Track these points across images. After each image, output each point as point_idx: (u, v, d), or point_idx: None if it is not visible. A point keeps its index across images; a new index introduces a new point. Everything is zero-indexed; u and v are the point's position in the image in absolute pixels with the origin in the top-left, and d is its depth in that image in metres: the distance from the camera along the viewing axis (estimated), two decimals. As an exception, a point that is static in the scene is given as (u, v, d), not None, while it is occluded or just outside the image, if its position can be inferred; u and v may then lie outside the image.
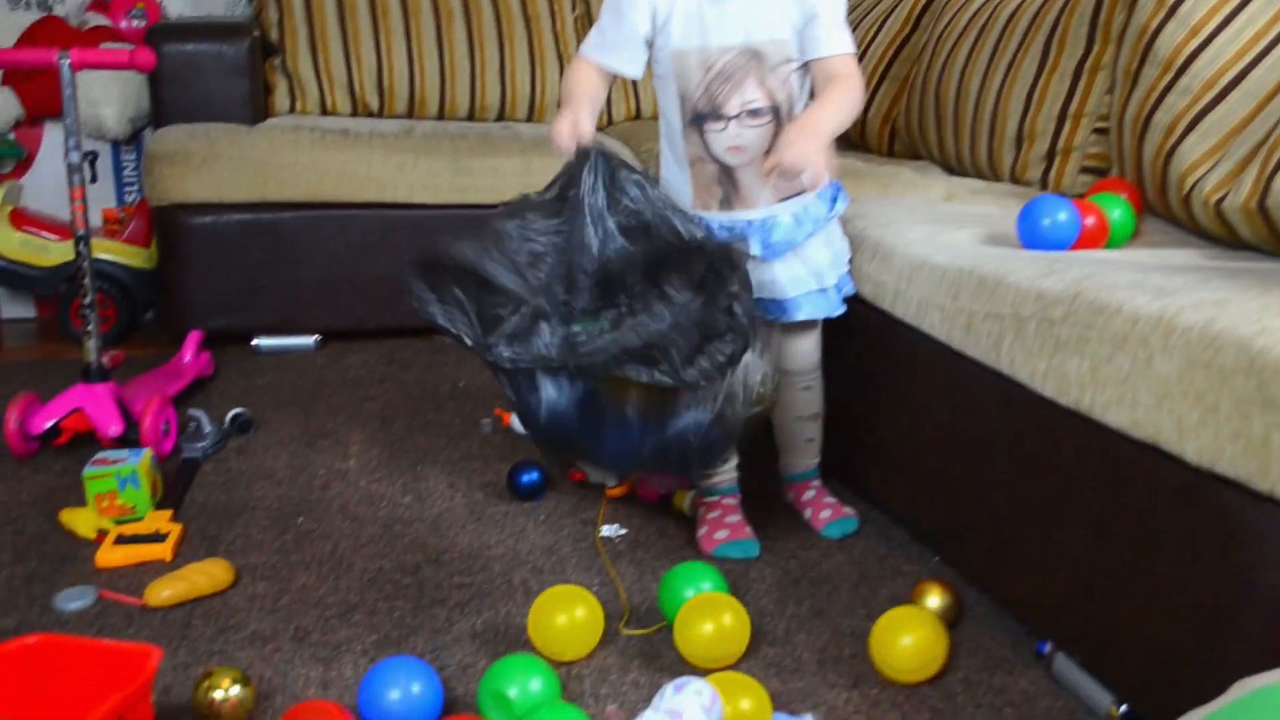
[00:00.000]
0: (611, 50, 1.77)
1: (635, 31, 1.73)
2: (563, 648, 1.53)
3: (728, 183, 1.76)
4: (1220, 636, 1.22)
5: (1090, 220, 1.82)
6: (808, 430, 1.96)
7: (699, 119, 1.73)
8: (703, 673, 1.39)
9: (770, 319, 1.81)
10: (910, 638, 1.49)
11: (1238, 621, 1.19)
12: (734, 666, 1.52)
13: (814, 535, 1.92)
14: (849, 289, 1.88)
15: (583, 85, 1.76)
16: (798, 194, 1.77)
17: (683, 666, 1.53)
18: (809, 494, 1.98)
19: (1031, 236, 1.77)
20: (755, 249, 1.74)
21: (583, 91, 1.75)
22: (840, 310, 1.85)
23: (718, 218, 1.76)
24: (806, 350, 1.89)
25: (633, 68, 1.77)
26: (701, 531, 1.88)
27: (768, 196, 1.76)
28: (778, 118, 1.73)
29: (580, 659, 1.54)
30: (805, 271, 1.80)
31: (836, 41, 1.72)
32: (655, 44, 1.75)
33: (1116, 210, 1.88)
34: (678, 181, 1.80)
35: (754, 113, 1.72)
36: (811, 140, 1.63)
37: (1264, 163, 1.76)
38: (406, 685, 1.36)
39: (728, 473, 1.91)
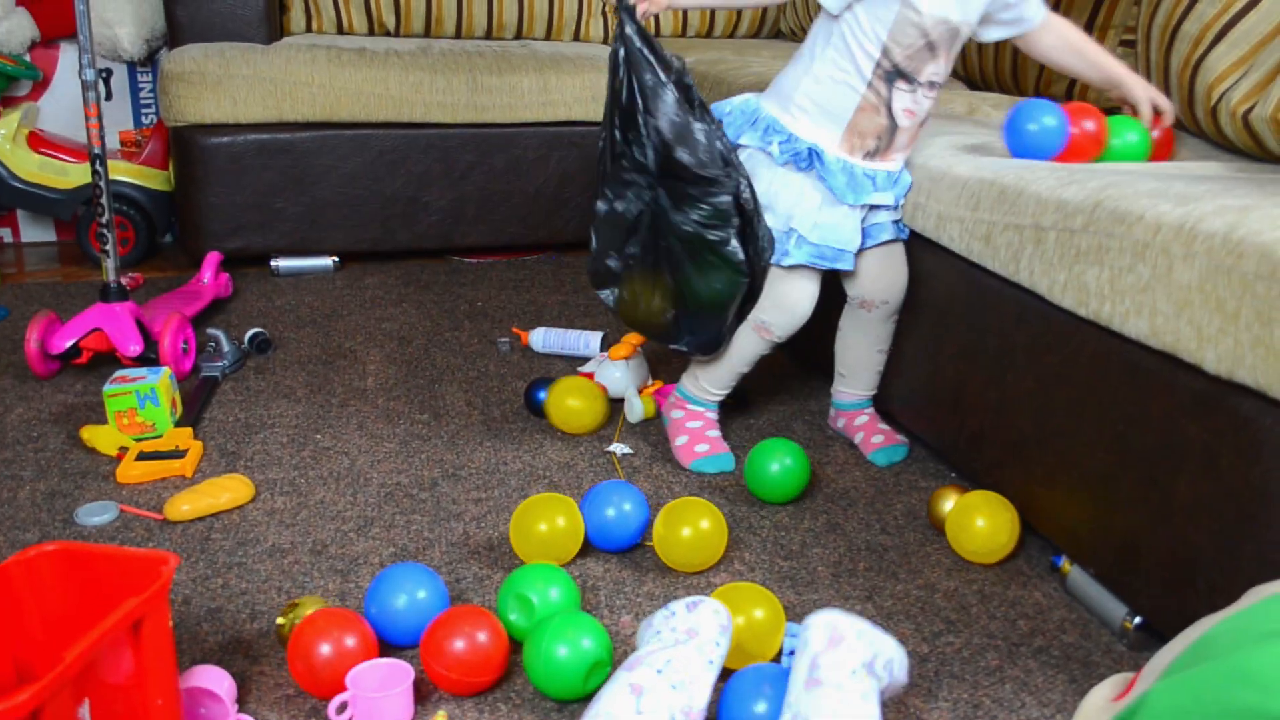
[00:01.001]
0: None
1: None
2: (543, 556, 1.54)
3: (886, 137, 1.75)
4: (1236, 546, 1.21)
5: (1088, 126, 1.76)
6: (879, 361, 1.95)
7: (891, 75, 1.70)
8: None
9: (894, 239, 1.85)
10: (984, 519, 1.57)
11: (1254, 530, 1.19)
12: (749, 578, 1.52)
13: (830, 450, 1.92)
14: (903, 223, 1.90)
15: None
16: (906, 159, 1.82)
17: (698, 577, 1.53)
18: (862, 419, 1.97)
19: (1017, 143, 1.75)
20: (891, 198, 1.80)
21: None
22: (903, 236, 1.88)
23: (861, 165, 1.76)
24: (900, 278, 1.86)
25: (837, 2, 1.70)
26: (680, 441, 1.89)
27: (901, 157, 1.80)
28: (939, 91, 1.77)
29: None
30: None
31: (1039, 3, 1.80)
32: None
33: (1132, 133, 1.83)
34: (829, 121, 1.74)
35: (933, 84, 1.73)
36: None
37: (1294, 72, 1.72)
38: (412, 590, 1.37)
39: (722, 396, 1.92)
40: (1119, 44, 2.24)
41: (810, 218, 1.76)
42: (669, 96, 1.66)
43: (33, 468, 1.83)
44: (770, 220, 1.76)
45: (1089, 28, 2.26)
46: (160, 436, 1.91)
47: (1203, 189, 1.37)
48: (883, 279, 1.85)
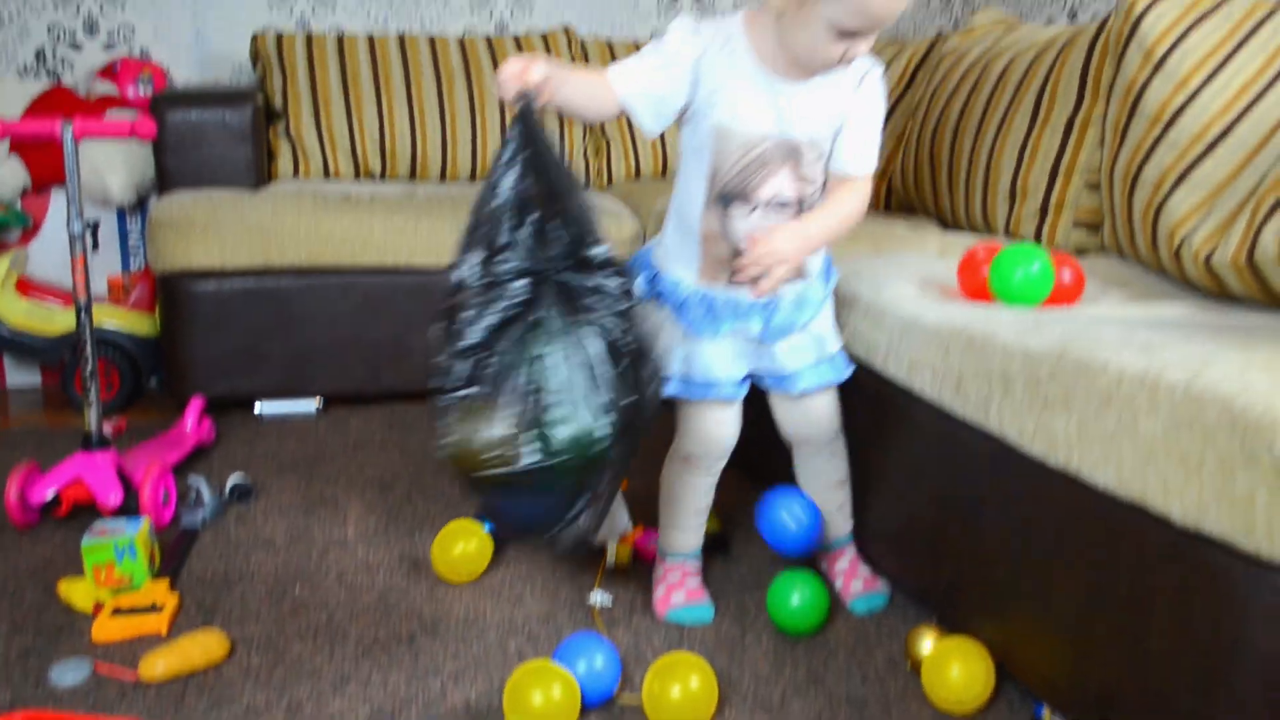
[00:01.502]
0: (637, 89, 1.65)
1: (669, 89, 1.65)
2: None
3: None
4: (1212, 698, 1.20)
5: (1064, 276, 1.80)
6: (835, 498, 1.93)
7: (725, 199, 1.69)
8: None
9: (777, 390, 1.83)
10: (960, 668, 1.57)
11: (1228, 681, 1.18)
12: (728, 733, 1.51)
13: (812, 596, 1.91)
14: (844, 356, 1.87)
15: (581, 84, 1.62)
16: (800, 278, 1.76)
17: (676, 734, 1.52)
18: (842, 563, 1.94)
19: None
20: (757, 329, 1.75)
21: (582, 70, 1.64)
22: (844, 375, 1.84)
23: (724, 292, 1.74)
24: (824, 416, 1.85)
25: (651, 123, 1.67)
26: (658, 594, 1.88)
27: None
28: (800, 211, 1.70)
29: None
30: (808, 342, 1.80)
31: (863, 159, 1.71)
32: (694, 111, 1.67)
33: (1035, 263, 1.76)
34: (684, 251, 1.75)
35: (781, 204, 1.69)
36: (791, 244, 1.64)
37: (1251, 216, 1.76)
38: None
39: (696, 539, 1.91)
40: (1085, 186, 2.29)
41: (674, 350, 1.76)
42: (578, 185, 1.55)
43: (8, 623, 1.81)
44: None
45: (1054, 171, 2.32)
46: (138, 590, 1.90)
47: (1165, 338, 1.39)
48: (795, 417, 1.86)
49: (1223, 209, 1.88)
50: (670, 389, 1.76)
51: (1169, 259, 1.96)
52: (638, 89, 1.64)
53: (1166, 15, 2.06)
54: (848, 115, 1.68)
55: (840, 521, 1.95)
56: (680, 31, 1.65)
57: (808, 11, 1.54)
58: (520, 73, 1.51)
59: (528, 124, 1.50)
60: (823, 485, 1.92)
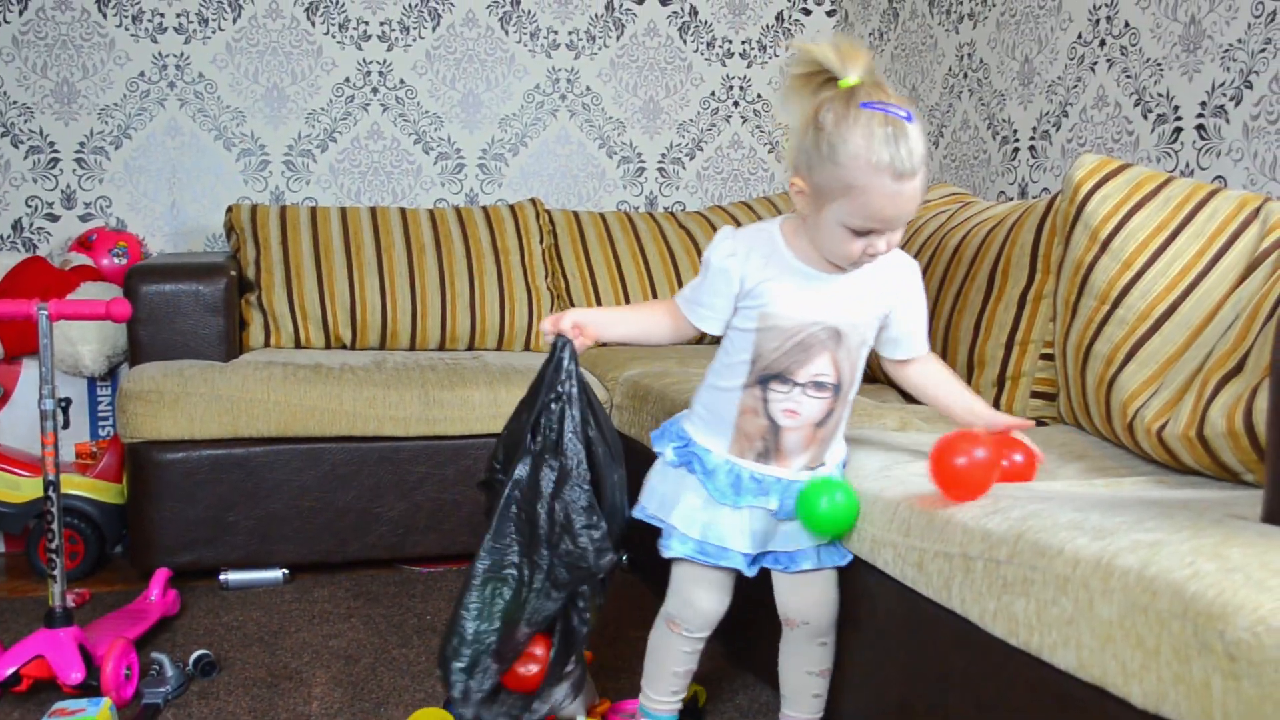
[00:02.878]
0: (694, 307, 1.82)
1: (718, 297, 1.78)
2: None
3: (771, 439, 1.78)
4: None
5: (1016, 458, 1.82)
6: (815, 685, 1.92)
7: (766, 379, 1.76)
8: None
9: (779, 569, 1.85)
10: None
11: None
12: None
13: (781, 773, 1.90)
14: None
15: (642, 313, 1.93)
16: (821, 465, 1.83)
17: None
18: None
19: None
20: (774, 504, 1.79)
21: (630, 315, 1.98)
22: (847, 559, 1.86)
23: (750, 467, 1.80)
24: (823, 599, 1.86)
25: (713, 326, 1.81)
26: None
27: (802, 462, 1.81)
28: (838, 393, 1.78)
29: None
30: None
31: (923, 339, 1.87)
32: (741, 304, 1.77)
33: (839, 493, 1.76)
34: (716, 424, 1.81)
35: (819, 385, 1.75)
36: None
37: (1200, 392, 1.82)
38: None
39: (674, 703, 1.92)
40: (1039, 357, 2.36)
41: (694, 515, 1.81)
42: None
43: (-39, 811, 1.77)
44: (657, 510, 1.86)
45: (1009, 343, 2.39)
46: (96, 773, 1.87)
47: (1117, 520, 1.43)
48: (796, 596, 1.87)
49: (1172, 384, 1.94)
50: (683, 551, 1.82)
51: (1123, 431, 2.01)
52: (692, 306, 1.83)
53: (1110, 198, 2.16)
54: (896, 304, 1.80)
55: (813, 709, 1.93)
56: (725, 251, 1.78)
57: (823, 215, 1.66)
58: (551, 327, 1.82)
59: (559, 360, 1.83)
60: (804, 669, 1.91)
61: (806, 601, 1.87)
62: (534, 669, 1.87)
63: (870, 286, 1.77)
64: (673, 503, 1.83)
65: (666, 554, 1.83)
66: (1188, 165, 2.60)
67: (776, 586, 1.88)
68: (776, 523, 1.82)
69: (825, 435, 1.81)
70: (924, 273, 2.64)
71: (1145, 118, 2.73)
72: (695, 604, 1.86)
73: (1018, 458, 1.80)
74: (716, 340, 1.87)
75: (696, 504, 1.81)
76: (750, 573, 1.83)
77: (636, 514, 1.90)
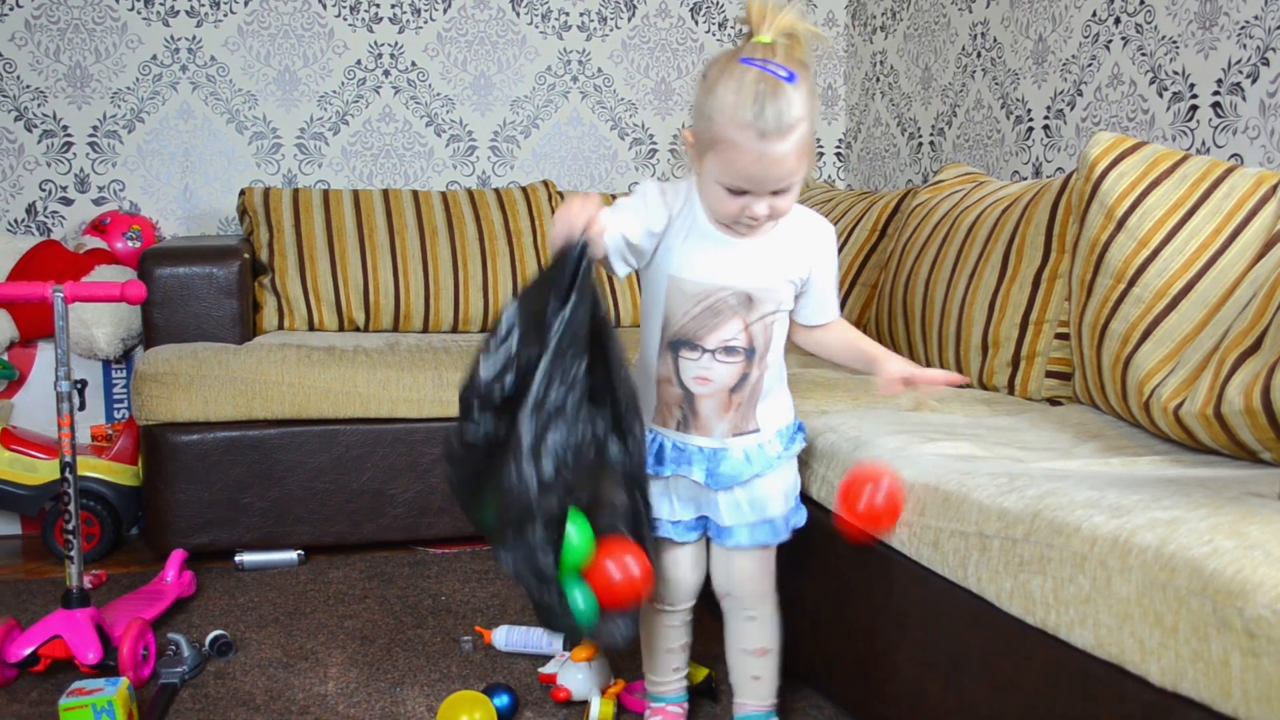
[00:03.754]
0: (614, 233, 1.70)
1: (634, 229, 1.71)
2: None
3: (687, 408, 1.77)
4: None
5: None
6: (752, 666, 1.89)
7: (676, 344, 1.75)
8: None
9: (716, 540, 1.85)
10: None
11: None
12: None
13: (796, 752, 1.90)
14: (799, 520, 1.88)
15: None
16: (753, 431, 1.80)
17: None
18: None
19: None
20: (700, 476, 1.78)
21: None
22: (780, 539, 1.84)
23: (672, 437, 1.79)
24: (749, 576, 1.85)
25: (620, 266, 1.74)
26: None
27: (723, 430, 1.78)
28: (750, 359, 1.76)
29: None
30: (746, 502, 1.81)
31: (834, 308, 1.85)
32: (653, 263, 1.75)
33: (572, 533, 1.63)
34: (644, 394, 1.80)
35: (730, 350, 1.74)
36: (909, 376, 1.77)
37: (1217, 370, 1.82)
38: None
39: (675, 681, 1.92)
40: (1054, 337, 2.35)
41: None
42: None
43: (-19, 789, 1.79)
44: None
45: (1024, 323, 2.38)
46: (115, 752, 1.88)
47: (1135, 498, 1.42)
48: (723, 568, 1.87)
49: (1189, 363, 1.93)
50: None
51: (1139, 410, 2.00)
52: (613, 218, 1.70)
53: (1127, 175, 2.15)
54: (811, 270, 1.78)
55: (757, 694, 1.90)
56: (651, 192, 1.74)
57: (704, 171, 1.65)
58: (584, 221, 1.56)
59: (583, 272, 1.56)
60: (738, 646, 1.90)
61: (732, 573, 1.86)
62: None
63: (783, 251, 1.75)
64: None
65: None
66: (1203, 143, 2.58)
67: (711, 558, 1.89)
68: (709, 491, 1.80)
69: (744, 401, 1.78)
70: (938, 253, 2.64)
71: (1160, 96, 2.71)
72: (674, 578, 1.87)
73: (878, 498, 1.70)
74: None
75: None
76: (688, 539, 1.84)
77: None
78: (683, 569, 1.87)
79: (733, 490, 1.80)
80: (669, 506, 1.82)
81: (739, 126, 1.55)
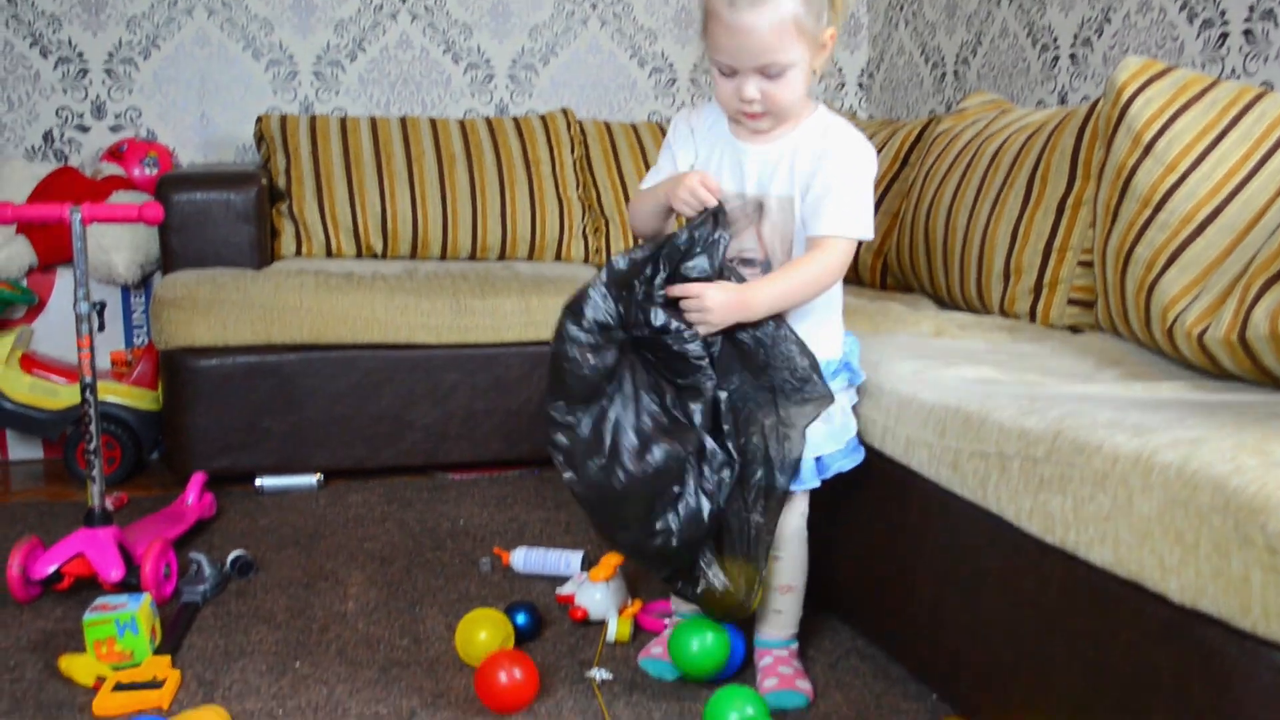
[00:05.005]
0: (653, 178, 1.83)
1: (670, 165, 1.81)
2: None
3: None
4: (1211, 778, 1.21)
5: None
6: (775, 601, 1.89)
7: None
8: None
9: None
10: None
11: (1227, 763, 1.19)
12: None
13: (812, 674, 1.91)
14: (845, 465, 1.84)
15: (646, 195, 1.82)
16: None
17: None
18: (766, 660, 1.89)
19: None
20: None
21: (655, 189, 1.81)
22: (806, 485, 1.82)
23: None
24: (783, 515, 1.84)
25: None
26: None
27: None
28: (767, 270, 1.75)
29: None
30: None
31: (830, 220, 1.72)
32: None
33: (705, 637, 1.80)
34: None
35: (746, 261, 1.74)
36: (723, 303, 1.66)
37: (1242, 295, 1.80)
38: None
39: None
40: (1078, 265, 2.33)
41: None
42: None
43: (8, 699, 1.81)
44: None
45: (1047, 250, 2.36)
46: (139, 665, 1.90)
47: (1158, 419, 1.42)
48: None
49: (1214, 288, 1.91)
50: None
51: (1162, 337, 1.99)
52: (650, 180, 1.81)
53: (1155, 100, 2.11)
54: (812, 177, 1.72)
55: (776, 625, 1.91)
56: (675, 130, 1.82)
57: (708, 57, 1.70)
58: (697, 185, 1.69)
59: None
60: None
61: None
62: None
63: (794, 158, 1.73)
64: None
65: None
66: (1233, 71, 2.54)
67: None
68: None
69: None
70: (961, 180, 2.61)
71: (1190, 23, 2.66)
72: None
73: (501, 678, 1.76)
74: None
75: None
76: None
77: None
78: None
79: None
80: None
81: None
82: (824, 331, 1.82)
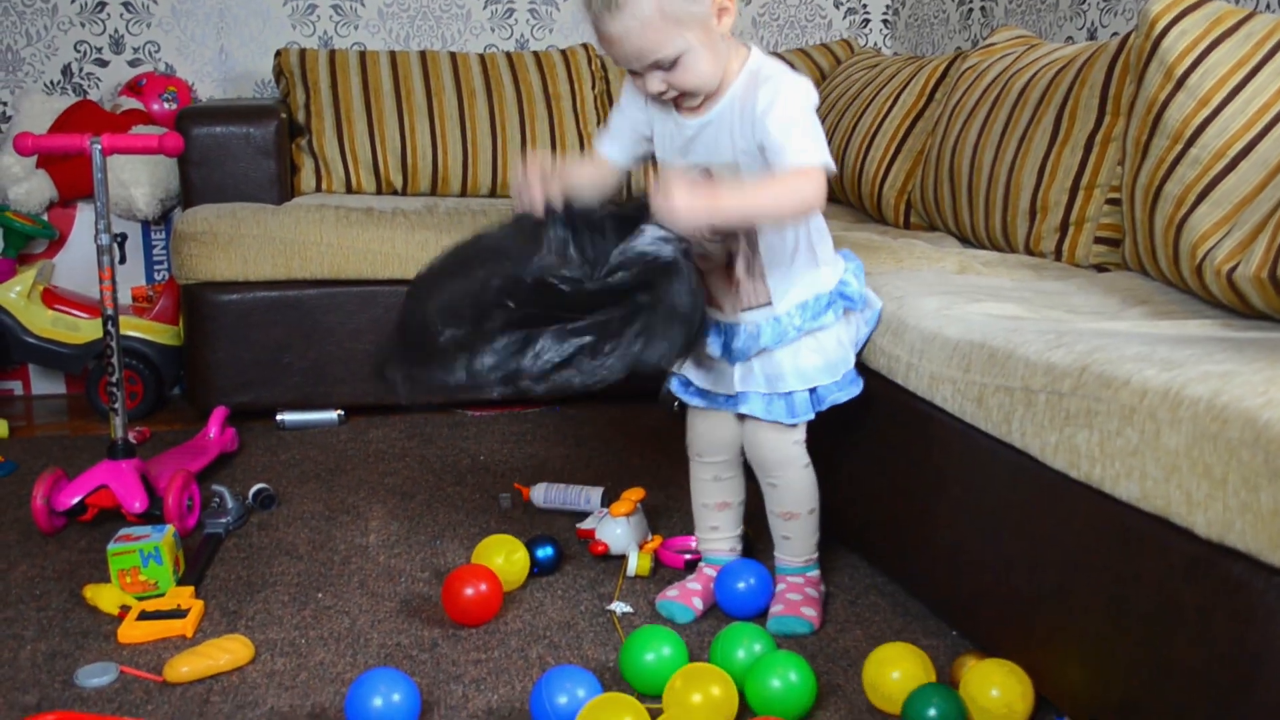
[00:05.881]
0: (602, 132, 1.88)
1: (624, 123, 1.83)
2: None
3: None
4: (1232, 711, 1.21)
5: None
6: (781, 527, 1.91)
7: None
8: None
9: (720, 407, 1.88)
10: (998, 689, 1.54)
11: (1250, 695, 1.18)
12: (749, 743, 1.51)
13: (831, 608, 1.92)
14: (841, 396, 1.84)
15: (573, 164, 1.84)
16: (764, 305, 1.79)
17: (698, 743, 1.52)
18: (779, 587, 1.91)
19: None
20: (716, 350, 1.82)
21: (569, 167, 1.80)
22: (799, 418, 1.82)
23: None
24: (768, 445, 1.85)
25: (617, 155, 1.85)
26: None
27: (731, 304, 1.81)
28: (731, 236, 1.76)
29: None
30: (760, 373, 1.80)
31: (789, 158, 1.65)
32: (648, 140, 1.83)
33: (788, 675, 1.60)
34: None
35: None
36: (688, 198, 1.59)
37: (1274, 232, 1.77)
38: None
39: (711, 540, 1.96)
40: (1105, 201, 2.30)
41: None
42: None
43: (35, 627, 1.83)
44: None
45: (1074, 188, 2.33)
46: (162, 595, 1.92)
47: (1186, 353, 1.40)
48: (745, 434, 1.89)
49: (1245, 225, 1.88)
50: (670, 384, 1.92)
51: (1190, 275, 1.96)
52: (606, 135, 1.87)
53: (1188, 34, 2.07)
54: (759, 134, 1.68)
55: (786, 551, 1.93)
56: (623, 94, 1.83)
57: None
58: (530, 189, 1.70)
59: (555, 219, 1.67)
60: (767, 509, 1.93)
61: (756, 445, 1.87)
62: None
63: (733, 122, 1.71)
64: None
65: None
66: (1269, 4, 2.49)
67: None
68: (724, 364, 1.84)
69: (743, 277, 1.78)
70: (987, 117, 2.57)
71: (1226, -45, 2.60)
72: (697, 429, 1.93)
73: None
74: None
75: None
76: (693, 401, 1.91)
77: None
78: (710, 425, 1.92)
79: (749, 361, 1.81)
80: (690, 373, 1.89)
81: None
82: (811, 273, 1.80)
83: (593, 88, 3.58)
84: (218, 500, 2.25)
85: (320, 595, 1.96)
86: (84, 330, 3.06)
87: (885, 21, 4.20)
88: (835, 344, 1.84)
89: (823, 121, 2.54)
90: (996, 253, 2.48)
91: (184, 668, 1.67)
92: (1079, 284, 2.14)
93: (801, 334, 1.79)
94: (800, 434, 1.86)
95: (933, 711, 1.50)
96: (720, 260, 1.78)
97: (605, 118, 3.58)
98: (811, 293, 1.81)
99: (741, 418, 1.87)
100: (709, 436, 1.93)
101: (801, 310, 1.80)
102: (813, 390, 1.82)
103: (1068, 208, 2.35)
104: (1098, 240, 2.32)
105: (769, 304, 1.79)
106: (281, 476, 2.53)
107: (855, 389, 1.86)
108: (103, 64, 3.62)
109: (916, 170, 2.93)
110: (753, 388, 1.81)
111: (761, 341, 1.79)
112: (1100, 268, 2.32)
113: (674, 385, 1.93)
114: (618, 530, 2.07)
